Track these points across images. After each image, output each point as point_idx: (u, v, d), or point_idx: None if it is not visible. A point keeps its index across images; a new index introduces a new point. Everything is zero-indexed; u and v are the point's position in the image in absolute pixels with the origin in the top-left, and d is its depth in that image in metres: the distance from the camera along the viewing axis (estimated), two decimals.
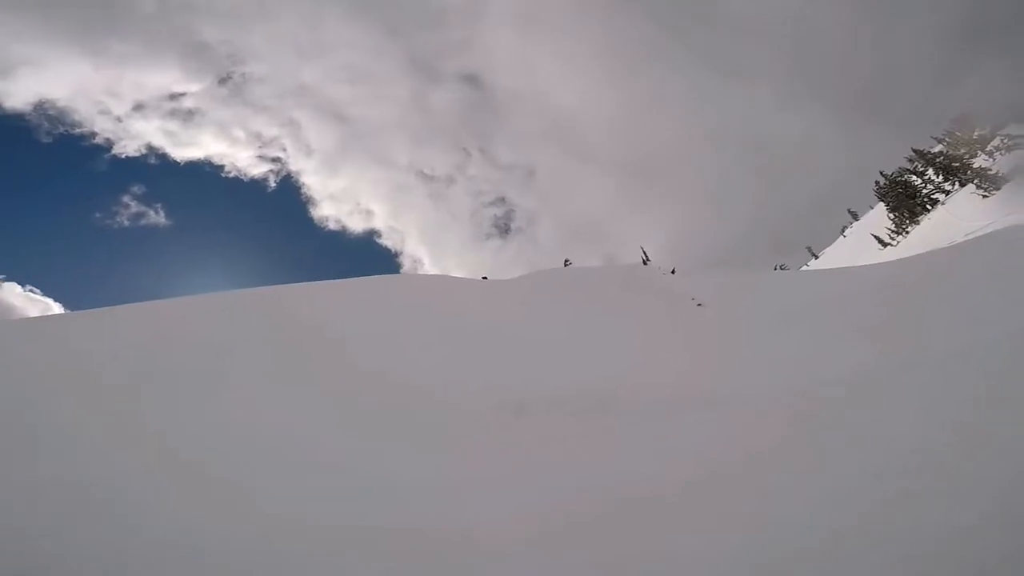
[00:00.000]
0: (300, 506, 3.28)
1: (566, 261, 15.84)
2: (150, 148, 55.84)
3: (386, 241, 77.00)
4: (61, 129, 50.60)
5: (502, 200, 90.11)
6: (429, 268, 72.24)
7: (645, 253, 16.03)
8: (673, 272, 15.37)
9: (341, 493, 3.49)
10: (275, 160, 69.51)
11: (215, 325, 7.22)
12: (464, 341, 8.55)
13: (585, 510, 3.21)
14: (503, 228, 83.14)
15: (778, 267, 32.64)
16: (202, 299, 9.42)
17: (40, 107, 51.57)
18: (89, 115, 59.59)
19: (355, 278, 12.98)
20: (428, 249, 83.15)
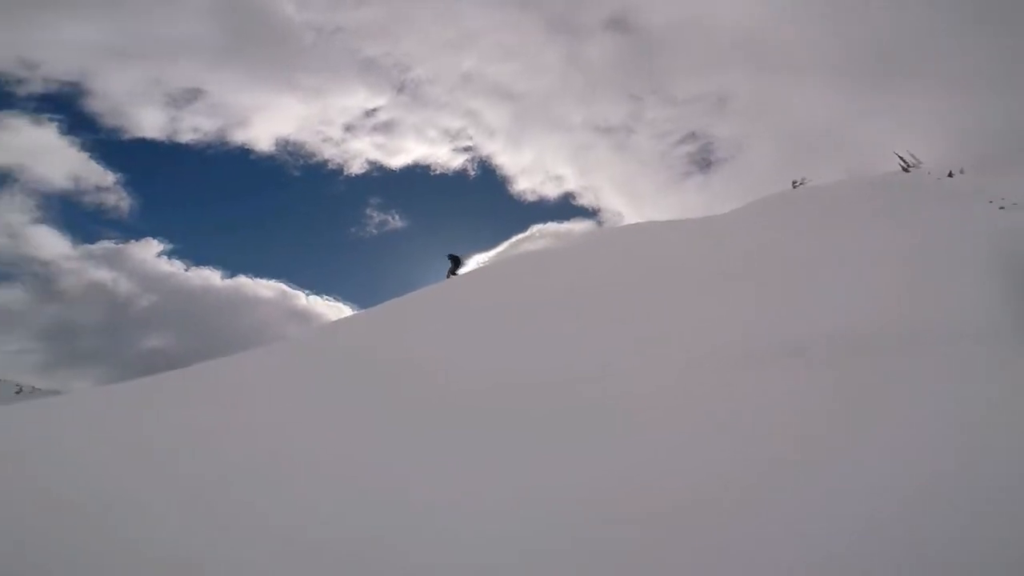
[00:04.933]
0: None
1: (794, 182, 13.25)
2: (370, 163, 66.72)
3: (582, 201, 78.58)
4: (302, 162, 63.77)
5: (692, 136, 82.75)
6: (630, 219, 70.95)
7: (902, 158, 12.48)
8: (951, 176, 11.62)
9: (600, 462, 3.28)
10: (468, 150, 76.09)
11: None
12: (683, 291, 7.75)
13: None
14: (702, 163, 76.41)
15: None
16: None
17: (281, 146, 65.55)
18: (316, 145, 73.73)
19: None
20: (625, 200, 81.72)
